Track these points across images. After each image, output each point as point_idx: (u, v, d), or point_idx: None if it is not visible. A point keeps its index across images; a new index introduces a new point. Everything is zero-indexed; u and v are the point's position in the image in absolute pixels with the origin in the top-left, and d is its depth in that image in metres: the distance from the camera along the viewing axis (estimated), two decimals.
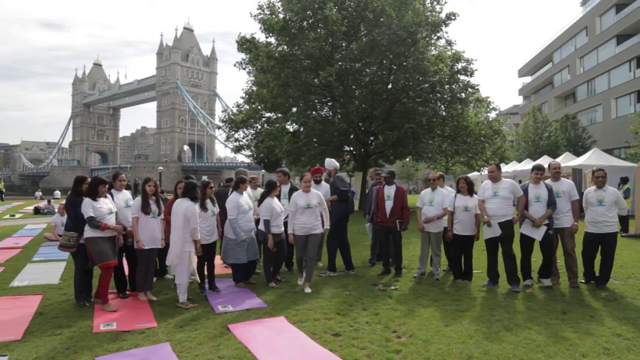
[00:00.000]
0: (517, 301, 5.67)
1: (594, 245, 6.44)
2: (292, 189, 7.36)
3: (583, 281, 6.58)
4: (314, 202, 6.32)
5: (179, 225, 5.55)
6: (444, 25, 20.03)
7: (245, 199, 6.52)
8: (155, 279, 6.47)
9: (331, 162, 8.19)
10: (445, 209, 6.87)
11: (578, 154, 26.88)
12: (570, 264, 6.47)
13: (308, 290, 6.14)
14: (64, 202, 7.04)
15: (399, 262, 7.30)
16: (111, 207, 5.62)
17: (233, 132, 27.28)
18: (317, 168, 7.76)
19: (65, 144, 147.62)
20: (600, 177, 6.51)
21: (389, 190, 7.30)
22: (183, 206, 5.61)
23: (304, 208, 6.29)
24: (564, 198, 6.46)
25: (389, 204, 7.22)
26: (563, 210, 6.44)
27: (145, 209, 5.83)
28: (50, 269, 7.78)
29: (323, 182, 7.68)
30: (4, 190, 33.50)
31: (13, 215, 18.99)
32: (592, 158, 19.30)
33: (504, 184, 6.42)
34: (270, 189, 6.58)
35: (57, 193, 37.86)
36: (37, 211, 19.95)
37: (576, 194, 6.54)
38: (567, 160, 21.36)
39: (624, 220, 12.62)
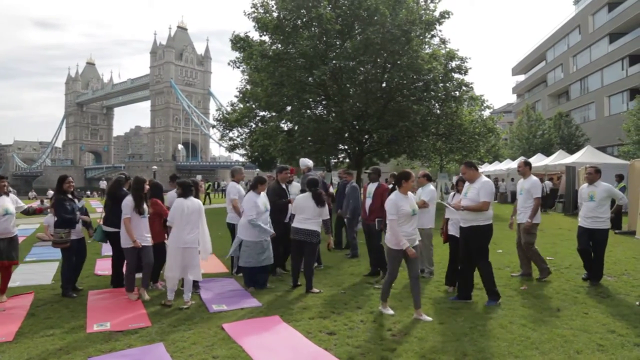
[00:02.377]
0: (512, 299, 5.67)
1: (585, 239, 6.51)
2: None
3: (584, 277, 6.66)
4: (417, 208, 5.23)
5: (202, 222, 5.74)
6: (437, 24, 20.04)
7: (262, 199, 6.37)
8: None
9: (304, 162, 8.33)
10: (421, 200, 6.72)
11: (571, 151, 27.00)
12: (522, 257, 6.84)
13: (390, 311, 5.06)
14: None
15: (381, 263, 6.83)
16: (8, 208, 5.70)
17: (227, 131, 27.26)
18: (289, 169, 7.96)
19: (59, 144, 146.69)
20: (587, 174, 6.66)
21: (371, 188, 7.16)
22: (198, 204, 5.74)
23: (410, 215, 5.03)
24: (525, 195, 6.67)
25: (368, 202, 7.04)
26: (524, 205, 6.69)
27: (140, 209, 5.82)
28: (42, 270, 7.72)
29: (294, 182, 7.97)
30: None
31: None
32: (585, 156, 19.41)
33: (476, 184, 5.53)
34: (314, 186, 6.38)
35: (50, 193, 37.52)
36: None
37: (538, 192, 6.61)
38: (560, 158, 21.47)
39: (616, 217, 12.70)
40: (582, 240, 6.55)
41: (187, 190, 5.69)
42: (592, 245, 6.47)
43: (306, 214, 6.10)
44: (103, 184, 34.68)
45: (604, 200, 6.39)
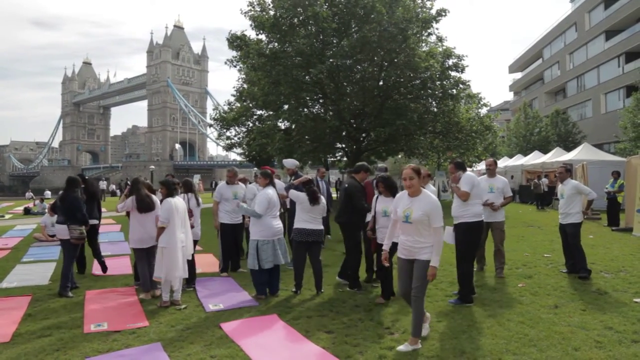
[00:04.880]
0: (509, 296, 5.68)
1: (561, 235, 7.05)
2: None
3: (565, 271, 6.97)
4: (416, 215, 4.00)
5: (187, 220, 5.88)
6: (434, 22, 20.06)
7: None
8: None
9: (290, 162, 8.06)
10: None
11: (568, 149, 27.07)
12: (498, 256, 6.84)
13: (408, 347, 3.99)
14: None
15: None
16: None
17: (225, 130, 27.23)
18: (268, 167, 7.81)
19: (56, 144, 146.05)
20: (558, 173, 7.15)
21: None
22: (182, 203, 5.89)
23: (403, 222, 4.14)
24: (497, 194, 6.76)
25: None
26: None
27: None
28: (39, 270, 7.68)
29: (277, 181, 7.64)
30: None
31: (2, 216, 18.77)
32: (582, 153, 19.46)
33: (462, 179, 5.78)
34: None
35: (48, 193, 37.41)
36: (27, 212, 19.75)
37: (509, 191, 6.87)
38: (557, 155, 21.52)
39: (614, 214, 12.74)
40: (561, 236, 7.10)
41: (171, 189, 5.71)
42: (567, 239, 6.90)
43: (313, 213, 5.92)
44: (103, 185, 33.88)
45: (572, 197, 6.80)
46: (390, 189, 5.58)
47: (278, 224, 5.94)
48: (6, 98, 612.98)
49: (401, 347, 4.00)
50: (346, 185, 6.35)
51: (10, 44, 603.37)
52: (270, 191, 5.94)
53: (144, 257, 6.01)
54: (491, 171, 6.93)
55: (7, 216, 18.99)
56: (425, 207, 4.00)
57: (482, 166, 27.22)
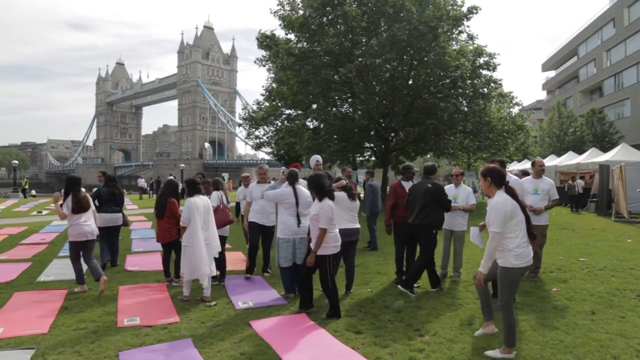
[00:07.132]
0: (543, 301, 5.52)
1: None
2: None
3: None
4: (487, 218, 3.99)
5: (211, 218, 5.95)
6: (465, 20, 19.71)
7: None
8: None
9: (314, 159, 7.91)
10: (472, 205, 6.51)
11: (605, 149, 26.20)
12: (535, 260, 6.38)
13: (497, 354, 3.87)
14: None
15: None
16: None
17: (253, 130, 27.45)
18: (295, 164, 7.67)
19: (90, 142, 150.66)
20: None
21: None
22: (206, 201, 5.95)
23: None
24: (542, 196, 6.55)
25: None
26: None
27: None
28: None
29: (300, 179, 7.60)
30: (27, 187, 34.64)
31: (40, 212, 19.42)
32: (619, 154, 18.76)
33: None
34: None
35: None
36: None
37: (556, 194, 6.62)
38: (593, 156, 20.83)
39: None
40: None
41: (193, 188, 5.74)
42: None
43: (353, 211, 5.85)
44: (141, 182, 34.26)
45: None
46: (317, 189, 5.07)
47: (299, 223, 5.77)
48: (43, 98, 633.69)
49: (489, 352, 3.87)
50: (429, 186, 6.05)
51: (47, 46, 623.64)
52: (287, 189, 5.83)
53: (84, 252, 6.22)
54: (539, 172, 6.63)
55: (44, 212, 19.63)
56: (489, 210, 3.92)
57: (513, 166, 26.67)
